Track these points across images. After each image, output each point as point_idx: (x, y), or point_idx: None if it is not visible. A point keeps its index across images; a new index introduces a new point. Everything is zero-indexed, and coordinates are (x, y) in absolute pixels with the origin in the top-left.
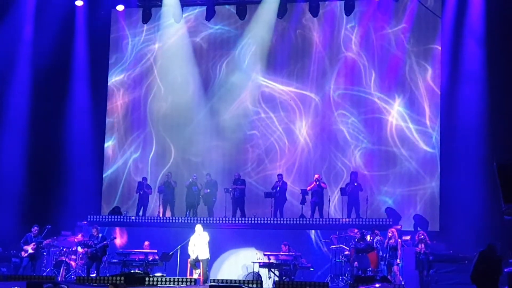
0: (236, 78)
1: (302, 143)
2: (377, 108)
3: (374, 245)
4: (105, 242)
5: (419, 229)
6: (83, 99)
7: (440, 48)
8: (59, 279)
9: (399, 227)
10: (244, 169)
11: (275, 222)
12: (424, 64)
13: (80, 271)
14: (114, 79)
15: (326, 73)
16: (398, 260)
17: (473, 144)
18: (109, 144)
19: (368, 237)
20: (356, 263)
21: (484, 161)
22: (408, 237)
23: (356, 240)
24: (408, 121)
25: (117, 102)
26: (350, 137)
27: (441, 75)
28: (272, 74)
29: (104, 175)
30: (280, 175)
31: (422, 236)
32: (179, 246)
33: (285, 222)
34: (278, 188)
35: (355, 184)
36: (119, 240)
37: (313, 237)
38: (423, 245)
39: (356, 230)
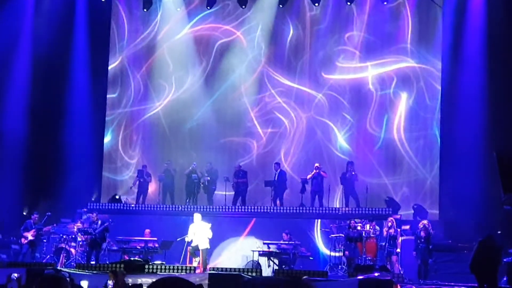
0: (236, 67)
1: (303, 133)
2: (379, 98)
3: (373, 234)
4: (105, 225)
5: (418, 218)
6: (83, 87)
7: (441, 38)
8: (58, 266)
9: (398, 216)
10: (245, 158)
11: (275, 211)
12: (425, 54)
13: (79, 258)
14: (115, 65)
15: (327, 60)
16: (398, 249)
17: (473, 133)
18: (109, 133)
19: (368, 226)
20: (347, 252)
21: (484, 151)
22: (407, 227)
23: (348, 229)
24: (409, 111)
25: (118, 91)
26: (350, 126)
27: (442, 66)
28: (273, 62)
29: (103, 163)
30: (277, 164)
31: (422, 226)
32: (187, 236)
33: (284, 211)
34: (275, 178)
35: (353, 173)
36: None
37: (318, 226)
38: (423, 233)
39: (354, 220)
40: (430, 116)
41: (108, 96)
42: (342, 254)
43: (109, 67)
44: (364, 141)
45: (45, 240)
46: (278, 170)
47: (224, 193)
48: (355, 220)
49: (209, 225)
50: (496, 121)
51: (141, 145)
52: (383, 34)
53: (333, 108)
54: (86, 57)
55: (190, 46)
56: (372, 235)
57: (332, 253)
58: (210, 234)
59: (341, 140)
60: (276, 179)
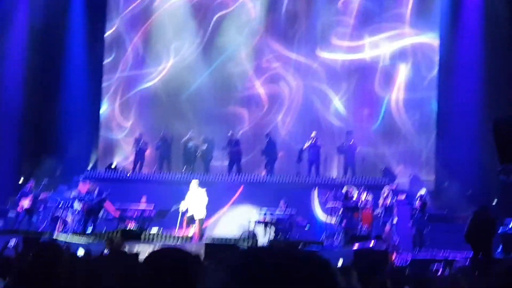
0: (234, 36)
1: (300, 101)
2: (376, 69)
3: (368, 204)
4: (103, 196)
5: (414, 188)
6: (80, 53)
7: (439, 8)
8: (55, 234)
9: (394, 186)
10: (242, 128)
11: (271, 180)
12: (423, 25)
13: (76, 226)
14: (111, 32)
15: (324, 32)
16: (394, 219)
17: (471, 104)
18: (105, 100)
19: (364, 196)
20: (345, 221)
21: (481, 121)
22: (403, 196)
23: (345, 198)
24: (407, 82)
25: (115, 57)
26: (348, 96)
27: (440, 36)
28: (270, 31)
29: (100, 131)
30: (267, 135)
31: (418, 195)
32: (181, 204)
33: (281, 180)
34: (266, 147)
35: (351, 143)
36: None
37: (314, 195)
38: (419, 203)
39: (347, 189)
40: (427, 86)
41: (104, 62)
42: (338, 223)
43: (106, 34)
44: (361, 111)
45: (41, 208)
46: (268, 139)
47: (220, 163)
48: (352, 189)
49: (204, 189)
50: (493, 91)
51: (138, 113)
52: (381, 2)
53: (330, 77)
54: (83, 23)
55: (188, 13)
56: (368, 205)
57: (329, 220)
58: (206, 200)
59: (338, 109)
60: (265, 148)
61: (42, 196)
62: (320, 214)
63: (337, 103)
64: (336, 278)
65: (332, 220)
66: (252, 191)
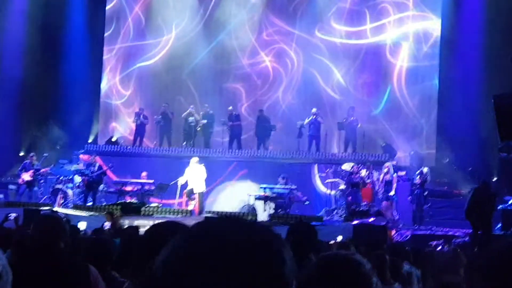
0: (235, 12)
1: (301, 77)
2: (379, 46)
3: (369, 179)
4: (103, 169)
5: (414, 165)
6: (81, 25)
7: None
8: (55, 207)
9: (394, 162)
10: (242, 103)
11: (272, 155)
12: (425, 6)
13: (77, 199)
14: (113, 5)
15: (326, 6)
16: (395, 195)
17: (472, 80)
18: (106, 73)
19: (364, 172)
20: (350, 197)
21: (482, 98)
22: (403, 173)
23: (350, 174)
24: (407, 58)
25: (116, 30)
26: (347, 71)
27: (442, 13)
28: (271, 8)
29: (101, 105)
30: (260, 110)
31: (419, 171)
32: (179, 178)
33: (281, 155)
34: (257, 124)
35: (352, 118)
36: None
37: (315, 171)
38: (419, 179)
39: (351, 164)
40: (429, 62)
41: (105, 34)
42: (340, 199)
43: (107, 7)
44: (362, 87)
45: (42, 181)
46: (259, 115)
47: (221, 138)
48: (355, 165)
49: (202, 165)
50: (495, 68)
51: (138, 87)
52: None
53: (332, 53)
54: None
55: None
56: (368, 181)
57: (328, 191)
58: (204, 175)
59: (339, 84)
60: (257, 125)
61: (43, 169)
62: (320, 189)
63: (339, 79)
64: (283, 253)
65: (333, 195)
66: (252, 166)
